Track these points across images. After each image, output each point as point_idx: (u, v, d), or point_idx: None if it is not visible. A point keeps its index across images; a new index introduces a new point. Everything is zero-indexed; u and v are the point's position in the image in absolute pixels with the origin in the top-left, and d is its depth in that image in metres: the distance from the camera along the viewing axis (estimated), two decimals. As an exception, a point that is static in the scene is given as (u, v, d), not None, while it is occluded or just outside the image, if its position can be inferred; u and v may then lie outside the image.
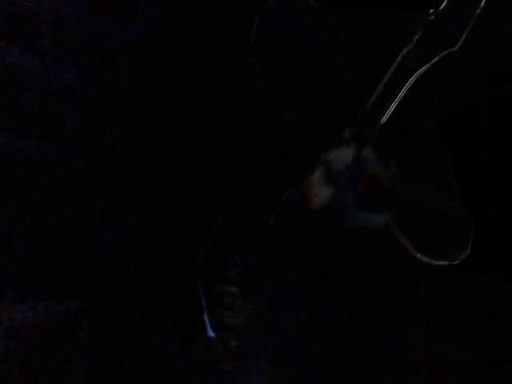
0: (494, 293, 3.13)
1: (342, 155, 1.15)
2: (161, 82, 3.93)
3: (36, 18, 3.46)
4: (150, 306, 3.80)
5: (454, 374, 2.76)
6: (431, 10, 1.20)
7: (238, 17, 3.49)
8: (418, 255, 1.36)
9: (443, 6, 1.19)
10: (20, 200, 3.45)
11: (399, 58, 1.21)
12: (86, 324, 3.46)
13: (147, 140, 3.93)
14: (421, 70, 1.20)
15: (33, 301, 3.28)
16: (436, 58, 1.21)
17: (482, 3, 1.19)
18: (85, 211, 3.67)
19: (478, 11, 1.19)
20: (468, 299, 3.14)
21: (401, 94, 1.20)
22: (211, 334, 1.47)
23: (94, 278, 3.54)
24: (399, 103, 1.20)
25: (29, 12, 3.43)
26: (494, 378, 3.11)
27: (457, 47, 1.20)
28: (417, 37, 1.21)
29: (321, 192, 1.19)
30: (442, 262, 1.38)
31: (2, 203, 3.37)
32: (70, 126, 3.68)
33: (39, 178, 3.54)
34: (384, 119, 1.19)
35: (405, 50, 1.22)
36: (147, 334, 3.79)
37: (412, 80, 1.20)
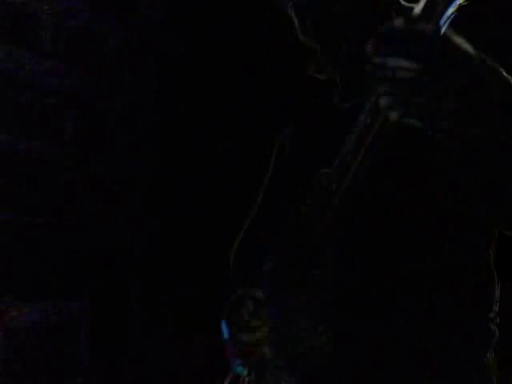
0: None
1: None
2: (161, 82, 3.93)
3: (36, 18, 3.47)
4: (149, 305, 3.80)
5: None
6: None
7: (238, 17, 3.49)
8: (485, 214, 1.21)
9: None
10: (20, 200, 3.45)
11: None
12: (86, 324, 3.46)
13: (147, 140, 3.93)
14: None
15: (33, 301, 3.28)
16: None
17: None
18: (85, 211, 3.67)
19: None
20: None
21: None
22: (226, 336, 1.38)
23: (94, 278, 3.54)
24: None
25: (29, 12, 3.43)
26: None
27: None
28: None
29: None
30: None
31: (2, 203, 3.37)
32: (69, 126, 3.68)
33: (39, 178, 3.54)
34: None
35: None
36: (147, 334, 3.80)
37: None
